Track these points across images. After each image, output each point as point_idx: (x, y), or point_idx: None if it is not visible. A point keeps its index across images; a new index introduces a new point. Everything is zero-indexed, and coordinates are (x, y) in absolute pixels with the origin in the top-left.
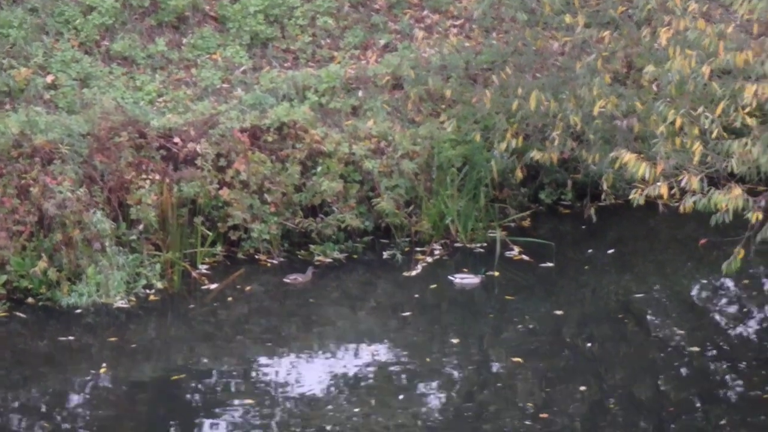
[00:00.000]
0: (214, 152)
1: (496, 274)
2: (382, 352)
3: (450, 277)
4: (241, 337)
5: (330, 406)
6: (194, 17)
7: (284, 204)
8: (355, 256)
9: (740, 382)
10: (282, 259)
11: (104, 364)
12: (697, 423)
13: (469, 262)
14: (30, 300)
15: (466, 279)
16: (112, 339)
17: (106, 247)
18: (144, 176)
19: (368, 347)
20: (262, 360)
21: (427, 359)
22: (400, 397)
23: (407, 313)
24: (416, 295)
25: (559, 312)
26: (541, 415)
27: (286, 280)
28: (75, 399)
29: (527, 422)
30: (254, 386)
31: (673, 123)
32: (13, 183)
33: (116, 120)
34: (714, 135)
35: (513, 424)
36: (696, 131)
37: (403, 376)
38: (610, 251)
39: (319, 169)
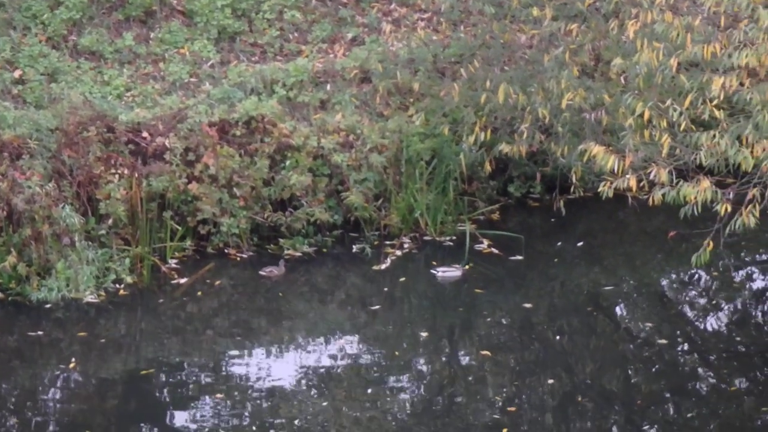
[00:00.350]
0: (182, 146)
1: (466, 267)
2: (351, 345)
3: (432, 271)
4: (211, 332)
5: (300, 400)
6: (162, 12)
7: (253, 198)
8: (324, 250)
9: (710, 374)
10: (251, 253)
11: (73, 359)
12: (667, 415)
13: (438, 255)
14: None
15: (448, 272)
16: (82, 334)
17: (76, 241)
18: (113, 171)
19: (338, 341)
20: (232, 354)
21: (397, 353)
22: (370, 390)
23: (376, 307)
24: (385, 289)
25: (528, 305)
26: (511, 408)
27: (262, 272)
28: (45, 394)
29: (496, 415)
30: (224, 380)
31: (641, 115)
32: None
33: (84, 115)
34: (682, 127)
35: (482, 417)
36: (664, 124)
37: (373, 369)
38: (580, 244)
39: (287, 162)
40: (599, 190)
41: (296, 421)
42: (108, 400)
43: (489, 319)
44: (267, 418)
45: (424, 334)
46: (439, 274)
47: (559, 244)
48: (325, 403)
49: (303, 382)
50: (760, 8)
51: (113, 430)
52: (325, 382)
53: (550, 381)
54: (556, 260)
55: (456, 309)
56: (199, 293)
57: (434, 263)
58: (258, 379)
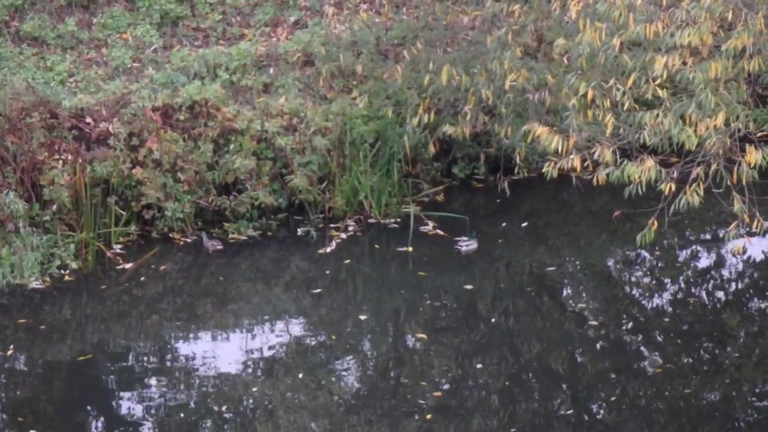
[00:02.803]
0: (126, 132)
1: (410, 249)
2: (296, 329)
3: (456, 247)
4: (156, 316)
5: (245, 384)
6: None
7: (197, 182)
8: (269, 234)
9: (655, 353)
10: (196, 238)
11: (12, 346)
12: (613, 395)
13: (383, 238)
14: None
15: (470, 245)
16: (25, 320)
17: (20, 228)
18: (57, 157)
19: (283, 324)
20: (178, 339)
21: (341, 335)
22: (315, 373)
23: (321, 290)
24: (329, 272)
25: (473, 286)
26: (455, 390)
27: (214, 245)
28: None
29: (442, 397)
30: (169, 365)
31: (584, 95)
32: None
33: (27, 101)
34: (626, 107)
35: (428, 399)
36: (608, 103)
37: (318, 353)
38: (524, 224)
39: (231, 146)
40: (543, 170)
41: (243, 406)
42: (47, 385)
43: (433, 301)
44: (213, 404)
45: (367, 317)
46: (463, 247)
47: (504, 224)
48: (270, 386)
49: (249, 366)
50: None
51: (53, 416)
52: (270, 366)
53: (495, 362)
54: (500, 241)
55: (400, 291)
56: (144, 278)
57: (377, 246)
58: (203, 363)
